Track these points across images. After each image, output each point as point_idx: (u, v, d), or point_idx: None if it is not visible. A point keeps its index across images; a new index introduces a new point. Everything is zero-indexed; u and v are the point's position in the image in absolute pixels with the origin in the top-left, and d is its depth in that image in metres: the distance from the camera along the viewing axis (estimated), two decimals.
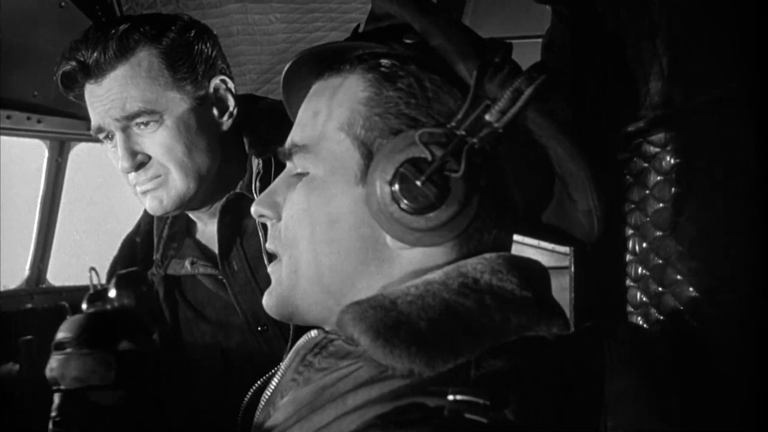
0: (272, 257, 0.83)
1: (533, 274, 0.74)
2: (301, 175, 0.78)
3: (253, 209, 0.83)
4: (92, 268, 1.19)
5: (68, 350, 0.93)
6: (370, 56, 0.77)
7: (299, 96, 0.83)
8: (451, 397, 0.60)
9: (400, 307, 0.68)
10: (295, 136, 0.79)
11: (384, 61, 0.75)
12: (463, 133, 0.70)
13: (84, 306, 0.99)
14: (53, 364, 0.93)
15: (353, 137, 0.74)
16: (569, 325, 0.72)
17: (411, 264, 0.74)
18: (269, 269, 0.83)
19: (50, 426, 0.90)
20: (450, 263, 0.73)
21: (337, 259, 0.75)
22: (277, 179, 0.82)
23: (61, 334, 0.95)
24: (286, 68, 0.82)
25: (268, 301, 0.81)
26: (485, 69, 0.71)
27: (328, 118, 0.76)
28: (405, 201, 0.69)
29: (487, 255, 0.73)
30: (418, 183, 0.69)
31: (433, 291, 0.69)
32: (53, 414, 0.90)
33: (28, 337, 2.03)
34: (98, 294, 0.99)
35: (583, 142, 0.74)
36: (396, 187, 0.69)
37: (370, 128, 0.73)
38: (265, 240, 1.25)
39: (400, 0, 0.76)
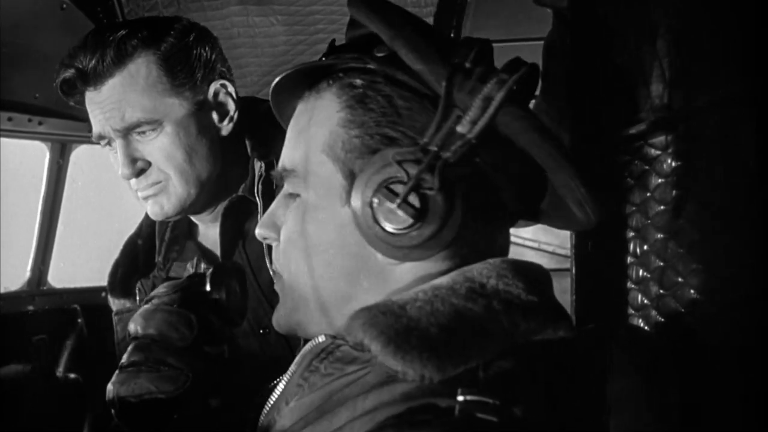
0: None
1: (537, 277, 0.74)
2: (293, 196, 0.80)
3: (257, 232, 0.84)
4: (159, 255, 1.23)
5: (157, 303, 0.94)
6: (345, 73, 0.77)
7: (288, 116, 0.84)
8: (461, 398, 0.61)
9: (409, 313, 0.68)
10: (284, 159, 0.80)
11: (357, 80, 0.75)
12: (436, 148, 0.69)
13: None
14: (138, 314, 0.93)
15: (335, 159, 0.75)
16: (574, 326, 0.72)
17: (404, 277, 0.75)
18: (276, 287, 0.85)
19: (116, 372, 0.90)
20: (446, 271, 0.73)
21: (331, 279, 0.76)
22: (275, 201, 0.84)
23: (155, 291, 0.96)
24: (270, 93, 0.83)
25: (275, 318, 0.84)
26: (454, 77, 0.70)
27: (311, 142, 0.77)
28: (385, 222, 0.70)
29: (491, 260, 0.73)
30: (395, 205, 0.69)
31: (442, 296, 0.69)
32: (122, 360, 0.91)
33: (42, 336, 2.04)
34: (197, 276, 1.01)
35: (559, 139, 0.73)
36: (375, 208, 0.70)
37: (350, 149, 0.74)
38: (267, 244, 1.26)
39: (367, 10, 0.75)
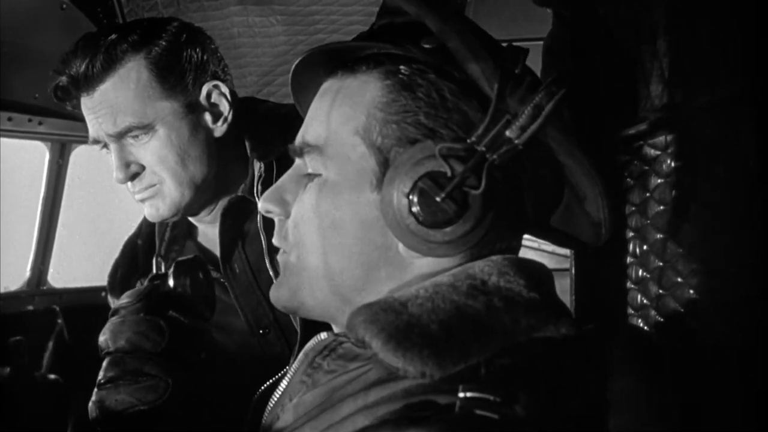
0: (275, 252, 0.83)
1: (539, 275, 0.75)
2: (312, 175, 0.78)
3: (260, 205, 0.83)
4: (159, 255, 1.20)
5: (124, 314, 0.92)
6: (387, 59, 0.76)
7: (309, 92, 0.83)
8: (462, 395, 0.61)
9: (410, 310, 0.69)
10: (307, 134, 0.78)
11: (403, 67, 0.74)
12: (483, 149, 0.69)
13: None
14: (107, 328, 0.92)
15: (369, 143, 0.74)
16: (575, 324, 0.72)
17: (422, 271, 0.74)
18: (278, 258, 0.83)
19: (95, 390, 0.89)
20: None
21: (348, 264, 0.75)
22: (286, 175, 0.82)
23: (119, 302, 0.94)
24: (296, 63, 0.82)
25: (275, 293, 0.82)
26: (506, 81, 0.70)
27: (344, 121, 0.75)
28: (422, 215, 0.69)
29: (494, 257, 0.73)
30: (438, 199, 0.69)
31: (443, 293, 0.70)
32: (99, 377, 0.90)
33: (18, 338, 2.03)
34: (158, 277, 1.00)
35: (596, 158, 0.75)
36: (414, 199, 0.69)
37: (387, 135, 0.73)
38: (267, 243, 1.26)
39: (419, 1, 0.75)
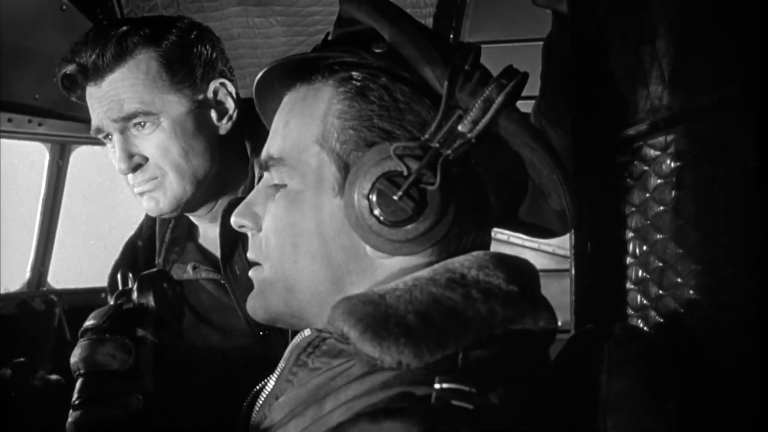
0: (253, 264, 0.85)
1: (520, 270, 0.75)
2: (278, 187, 0.79)
3: (233, 220, 0.84)
4: (123, 272, 1.25)
5: (91, 336, 0.95)
6: (341, 66, 0.77)
7: (273, 107, 0.85)
8: (438, 386, 0.62)
9: (388, 301, 0.70)
10: (270, 148, 0.80)
11: (355, 73, 0.76)
12: (437, 145, 0.71)
13: (110, 302, 1.03)
14: (76, 350, 0.96)
15: (329, 150, 0.75)
16: (556, 318, 0.73)
17: (392, 270, 0.76)
18: (251, 274, 0.84)
19: (70, 411, 0.92)
20: (431, 265, 0.74)
21: (318, 269, 0.77)
22: (255, 190, 0.83)
23: (86, 324, 0.98)
24: (256, 80, 0.84)
25: (251, 306, 0.83)
26: (455, 78, 0.72)
27: (302, 131, 0.77)
28: (383, 215, 0.71)
29: (475, 253, 0.74)
30: (395, 197, 0.70)
31: (421, 285, 0.71)
32: (73, 398, 0.93)
33: (21, 359, 2.05)
34: (124, 293, 1.03)
35: (553, 146, 0.76)
36: (373, 200, 0.71)
37: (345, 141, 0.74)
38: None
39: (366, 6, 0.77)
